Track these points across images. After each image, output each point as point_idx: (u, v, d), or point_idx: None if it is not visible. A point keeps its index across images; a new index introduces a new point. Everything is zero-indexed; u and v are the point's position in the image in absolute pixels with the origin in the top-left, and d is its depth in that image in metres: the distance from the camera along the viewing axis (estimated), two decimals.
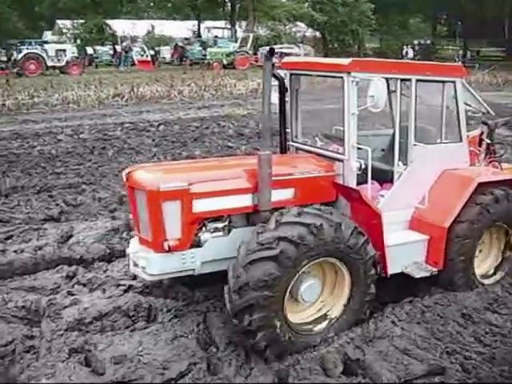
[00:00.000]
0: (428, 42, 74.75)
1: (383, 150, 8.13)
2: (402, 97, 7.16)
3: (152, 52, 52.69)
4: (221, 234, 6.54)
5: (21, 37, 51.99)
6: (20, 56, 41.95)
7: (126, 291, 7.34)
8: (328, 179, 6.97)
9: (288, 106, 7.73)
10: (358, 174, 6.89)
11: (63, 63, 43.54)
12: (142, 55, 50.23)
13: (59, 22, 63.50)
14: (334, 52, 60.35)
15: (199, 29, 66.35)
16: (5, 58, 44.76)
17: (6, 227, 9.93)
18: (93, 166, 14.79)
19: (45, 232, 9.72)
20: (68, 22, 60.95)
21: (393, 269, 6.95)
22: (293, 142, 7.84)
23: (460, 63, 57.07)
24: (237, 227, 6.60)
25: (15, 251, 8.72)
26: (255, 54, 50.27)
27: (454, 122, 7.57)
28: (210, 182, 6.42)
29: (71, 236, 9.49)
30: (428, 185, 7.32)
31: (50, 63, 43.34)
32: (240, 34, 58.98)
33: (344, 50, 58.30)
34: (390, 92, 7.66)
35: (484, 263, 7.84)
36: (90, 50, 51.39)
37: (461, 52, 64.57)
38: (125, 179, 6.58)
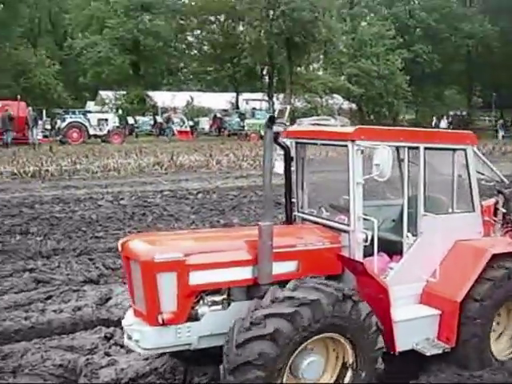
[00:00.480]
0: (464, 113, 75.26)
1: (393, 221, 7.82)
2: (411, 165, 6.98)
3: (191, 123, 53.84)
4: (219, 307, 6.20)
5: (65, 106, 53.74)
6: (64, 125, 43.27)
7: (162, 353, 7.36)
8: (333, 251, 6.65)
9: (294, 175, 7.54)
10: (366, 246, 6.62)
11: (105, 132, 44.77)
12: (181, 126, 51.28)
13: (102, 92, 65.53)
14: (370, 123, 60.90)
15: (237, 100, 67.75)
16: (49, 127, 46.25)
17: (46, 287, 10.12)
18: (132, 231, 14.94)
19: (84, 293, 9.86)
20: (110, 93, 62.82)
21: (402, 345, 6.55)
22: (299, 212, 7.61)
23: (502, 132, 57.69)
24: (236, 300, 6.25)
25: (54, 311, 8.88)
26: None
27: (466, 191, 7.33)
28: (208, 254, 6.15)
29: (110, 298, 9.59)
30: (439, 256, 6.94)
31: (92, 132, 44.56)
32: (277, 105, 60.03)
33: (380, 122, 58.71)
34: (399, 160, 7.46)
35: (503, 337, 7.38)
36: (131, 120, 52.81)
37: (501, 121, 64.45)
38: (120, 249, 6.37)
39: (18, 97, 42.48)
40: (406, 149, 6.91)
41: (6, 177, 24.26)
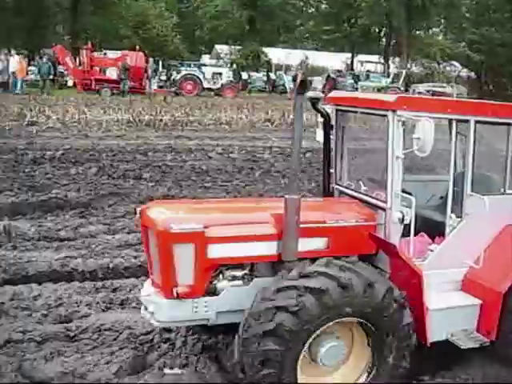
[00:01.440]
0: None
1: (440, 199, 7.21)
2: (460, 140, 6.52)
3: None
4: (240, 283, 5.89)
5: (180, 59, 54.69)
6: (179, 76, 44.14)
7: None
8: (368, 229, 6.18)
9: (333, 144, 7.01)
10: (406, 225, 6.18)
11: (218, 86, 45.33)
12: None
13: (218, 46, 66.17)
14: (489, 94, 58.52)
15: (352, 62, 66.72)
16: (165, 78, 47.27)
17: None
18: (240, 184, 15.22)
19: None
20: (226, 48, 63.33)
21: (435, 336, 6.02)
22: (337, 184, 7.09)
23: None
24: (260, 276, 5.91)
25: None
26: (406, 90, 49.81)
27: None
28: (229, 226, 5.78)
29: None
30: (485, 241, 6.38)
31: (206, 85, 45.23)
32: (393, 69, 58.69)
33: (500, 93, 56.30)
34: (450, 134, 6.68)
35: None
36: (244, 76, 53.12)
37: None
38: (138, 216, 6.12)
39: (137, 47, 43.61)
40: (455, 122, 6.38)
41: (122, 124, 25.03)
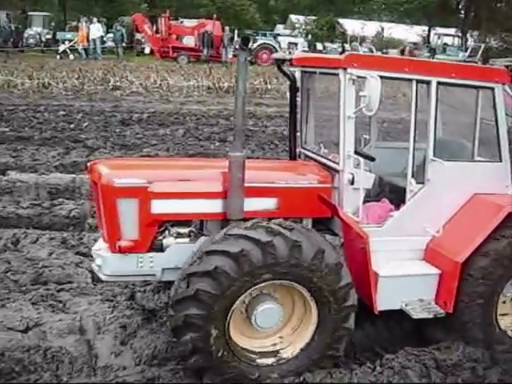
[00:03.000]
0: None
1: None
2: (424, 103, 6.17)
3: (379, 54, 52.97)
4: (186, 240, 5.80)
5: (255, 28, 54.83)
6: (255, 46, 44.31)
7: None
8: (321, 192, 5.92)
9: (298, 107, 6.79)
10: (370, 189, 6.15)
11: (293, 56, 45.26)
12: None
13: (292, 16, 65.93)
14: None
15: (429, 34, 65.36)
16: (238, 47, 47.52)
17: None
18: None
19: None
20: (301, 18, 63.06)
21: (386, 304, 5.84)
22: (302, 148, 6.90)
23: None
24: (207, 235, 5.78)
25: None
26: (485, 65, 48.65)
27: (493, 138, 6.30)
28: (173, 182, 5.71)
29: None
30: (450, 209, 6.13)
31: None
32: (470, 43, 57.28)
33: None
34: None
35: None
36: (319, 46, 52.91)
37: None
38: (88, 171, 6.09)
39: (214, 16, 44.01)
40: (415, 82, 5.98)
41: (203, 90, 25.60)
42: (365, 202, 6.07)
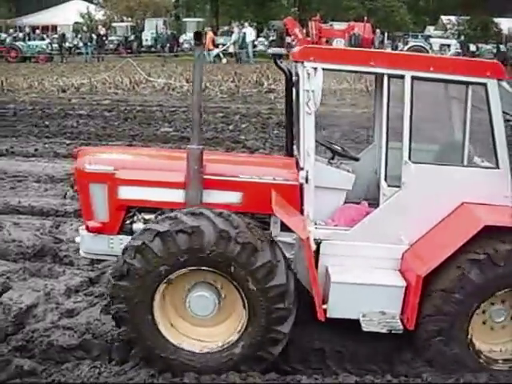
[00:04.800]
0: None
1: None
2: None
3: None
4: None
5: (405, 30, 54.01)
6: (406, 48, 43.70)
7: None
8: (287, 189, 5.79)
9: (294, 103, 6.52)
10: (349, 191, 5.94)
11: None
12: None
13: (444, 17, 64.21)
14: None
15: None
16: (389, 49, 47.01)
17: None
18: None
19: None
20: (452, 18, 61.29)
21: (339, 312, 5.55)
22: (295, 144, 6.63)
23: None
24: None
25: None
26: None
27: (487, 140, 5.67)
28: (138, 171, 6.02)
29: None
30: (432, 218, 5.62)
31: None
32: None
33: None
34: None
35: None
36: (472, 47, 51.17)
37: None
38: (73, 157, 6.59)
39: (365, 18, 43.79)
40: (386, 77, 5.59)
41: (355, 93, 25.46)
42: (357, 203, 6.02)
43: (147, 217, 6.03)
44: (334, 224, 5.94)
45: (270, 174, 5.96)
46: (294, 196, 5.77)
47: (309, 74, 5.46)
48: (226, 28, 51.04)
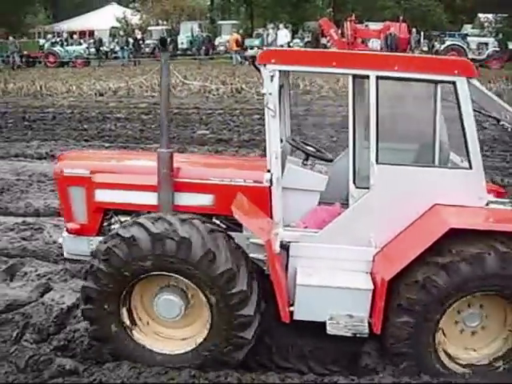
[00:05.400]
0: None
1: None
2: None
3: None
4: None
5: (442, 29, 53.35)
6: (442, 47, 43.24)
7: None
8: (257, 191, 5.78)
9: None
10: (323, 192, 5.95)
11: (483, 56, 43.67)
12: None
13: (481, 15, 63.28)
14: None
15: None
16: (426, 49, 46.56)
17: None
18: None
19: None
20: (490, 16, 60.37)
21: (306, 314, 5.55)
22: None
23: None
24: None
25: None
26: None
27: (459, 141, 5.53)
28: (114, 174, 6.16)
29: None
30: (403, 220, 5.51)
31: (470, 56, 43.70)
32: None
33: None
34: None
35: (491, 343, 5.62)
36: (511, 45, 50.40)
37: None
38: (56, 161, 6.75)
39: (400, 18, 43.40)
40: (351, 78, 5.50)
41: None
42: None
43: (123, 219, 6.17)
44: (304, 226, 5.93)
45: (241, 176, 5.99)
46: (264, 198, 5.77)
47: (271, 77, 5.45)
48: (260, 30, 51.00)
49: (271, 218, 5.74)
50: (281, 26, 45.69)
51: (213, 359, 5.49)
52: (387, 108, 5.81)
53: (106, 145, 16.38)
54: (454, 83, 5.35)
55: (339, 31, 43.51)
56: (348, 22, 43.27)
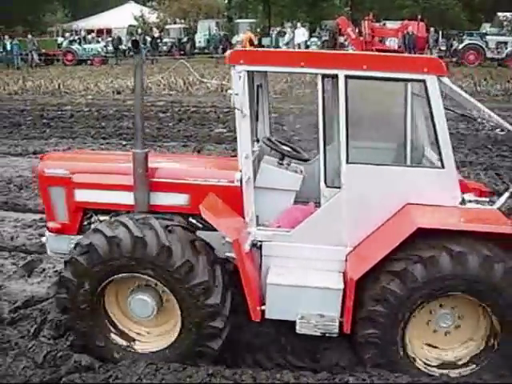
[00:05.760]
0: None
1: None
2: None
3: None
4: None
5: (460, 28, 52.98)
6: (461, 46, 42.93)
7: None
8: (230, 191, 5.84)
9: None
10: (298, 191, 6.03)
11: (503, 56, 43.31)
12: None
13: (500, 14, 62.78)
14: None
15: None
16: (444, 48, 46.32)
17: None
18: None
19: None
20: (509, 14, 59.87)
21: (276, 313, 5.60)
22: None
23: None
24: None
25: None
26: None
27: (429, 139, 5.53)
28: (93, 174, 6.23)
29: None
30: (375, 219, 5.50)
31: (489, 55, 43.50)
32: None
33: None
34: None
35: (464, 344, 5.58)
36: None
37: None
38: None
39: (418, 17, 43.23)
40: (320, 77, 5.48)
41: None
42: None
43: (103, 218, 6.27)
44: (277, 225, 5.97)
45: (215, 176, 6.05)
46: (237, 198, 5.80)
47: (240, 77, 5.50)
48: (278, 29, 50.97)
49: (244, 217, 5.79)
50: (298, 24, 45.57)
51: (190, 352, 5.61)
52: (358, 107, 5.80)
53: (124, 143, 16.47)
54: (424, 81, 5.33)
55: (356, 30, 43.64)
56: (366, 21, 43.34)
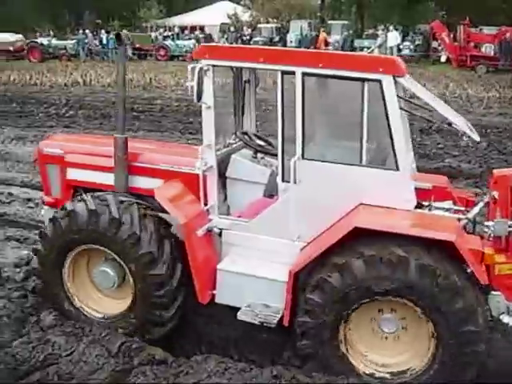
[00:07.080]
0: None
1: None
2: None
3: None
4: None
5: None
6: None
7: None
8: (195, 177, 6.17)
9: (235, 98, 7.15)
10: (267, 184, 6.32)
11: None
12: None
13: None
14: None
15: None
16: None
17: None
18: None
19: None
20: None
21: (225, 299, 5.98)
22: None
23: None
24: None
25: None
26: None
27: (384, 140, 5.40)
28: (84, 155, 6.81)
29: None
30: (328, 216, 5.52)
31: None
32: None
33: None
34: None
35: (405, 352, 5.52)
36: None
37: None
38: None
39: None
40: (280, 74, 5.62)
41: (505, 102, 24.31)
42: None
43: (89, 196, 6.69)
44: (238, 215, 6.30)
45: (186, 163, 6.38)
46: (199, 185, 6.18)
47: (205, 71, 5.83)
48: (371, 31, 50.30)
49: (205, 203, 6.15)
50: (391, 27, 44.82)
51: (141, 320, 6.06)
52: (315, 105, 5.99)
53: None
54: (379, 81, 5.33)
55: (451, 35, 42.50)
56: (461, 26, 42.14)
